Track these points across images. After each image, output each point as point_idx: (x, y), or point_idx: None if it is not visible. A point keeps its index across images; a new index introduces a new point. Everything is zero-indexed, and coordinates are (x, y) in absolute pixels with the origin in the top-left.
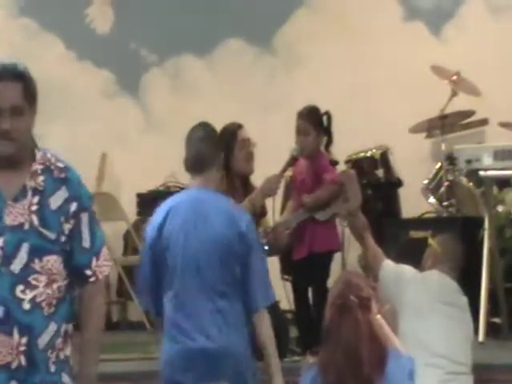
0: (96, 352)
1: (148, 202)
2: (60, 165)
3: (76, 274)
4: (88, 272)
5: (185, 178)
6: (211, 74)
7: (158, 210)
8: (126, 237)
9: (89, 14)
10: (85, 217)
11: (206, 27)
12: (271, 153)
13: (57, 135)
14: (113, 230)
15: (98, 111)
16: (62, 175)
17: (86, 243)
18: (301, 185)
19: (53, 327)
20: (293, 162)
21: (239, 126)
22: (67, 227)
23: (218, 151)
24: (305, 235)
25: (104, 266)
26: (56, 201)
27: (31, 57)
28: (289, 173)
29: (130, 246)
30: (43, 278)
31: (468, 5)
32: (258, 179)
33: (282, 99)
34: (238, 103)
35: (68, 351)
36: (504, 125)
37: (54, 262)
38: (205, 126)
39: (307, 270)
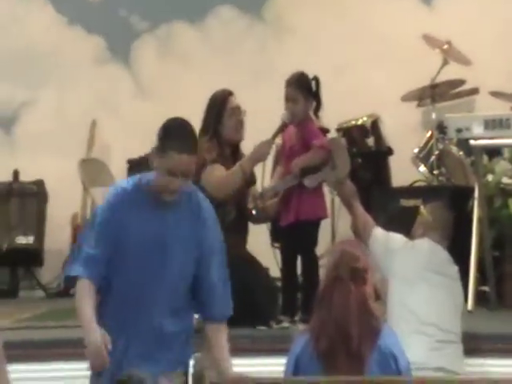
0: None
1: (138, 168)
2: None
3: None
4: None
5: None
6: (202, 41)
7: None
8: None
9: None
10: None
11: None
12: (262, 120)
13: (46, 101)
14: (103, 196)
15: (88, 78)
16: None
17: None
18: (290, 151)
19: None
20: (283, 128)
21: (229, 94)
22: None
23: None
24: (291, 202)
25: None
26: None
27: (21, 21)
28: (278, 140)
29: None
30: None
31: None
32: (249, 147)
33: (273, 67)
34: (228, 71)
35: None
36: (494, 94)
37: None
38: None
39: (294, 237)
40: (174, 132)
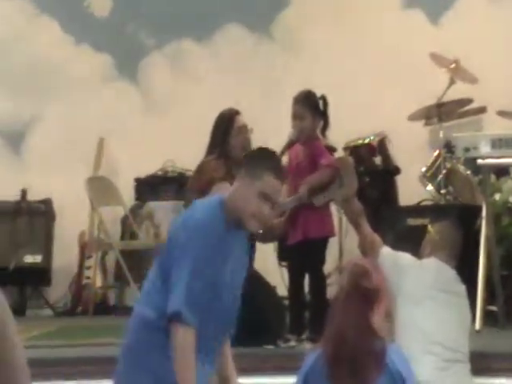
0: None
1: (146, 186)
2: None
3: None
4: None
5: (182, 163)
6: (210, 58)
7: None
8: (124, 221)
9: None
10: None
11: (206, 12)
12: (270, 138)
13: (55, 119)
14: (110, 215)
15: (96, 95)
16: None
17: None
18: (296, 169)
19: None
20: (290, 145)
21: (236, 113)
22: None
23: None
24: (299, 220)
25: None
26: None
27: (29, 40)
28: (285, 159)
29: (127, 231)
30: None
31: None
32: None
33: (281, 84)
34: (236, 88)
35: None
36: (502, 113)
37: None
38: None
39: (302, 255)
40: (269, 157)
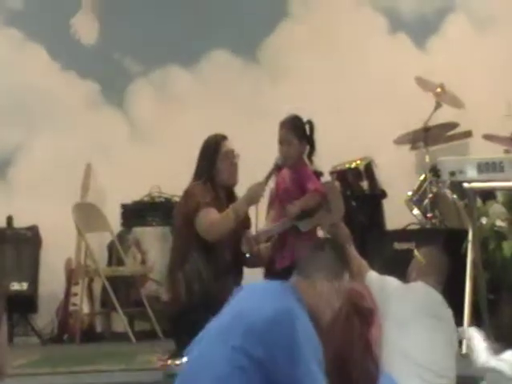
0: None
1: (132, 212)
2: None
3: None
4: None
5: (169, 188)
6: (197, 84)
7: None
8: (111, 247)
9: (74, 24)
10: None
11: (192, 38)
12: (257, 163)
13: (41, 146)
14: (97, 241)
15: (82, 122)
16: None
17: None
18: (283, 194)
19: None
20: (277, 170)
21: (223, 138)
22: None
23: None
24: (287, 245)
25: None
26: None
27: (16, 67)
28: (272, 184)
29: (114, 257)
30: None
31: (451, 17)
32: (243, 189)
33: (268, 110)
34: (223, 113)
35: None
36: (488, 137)
37: None
38: None
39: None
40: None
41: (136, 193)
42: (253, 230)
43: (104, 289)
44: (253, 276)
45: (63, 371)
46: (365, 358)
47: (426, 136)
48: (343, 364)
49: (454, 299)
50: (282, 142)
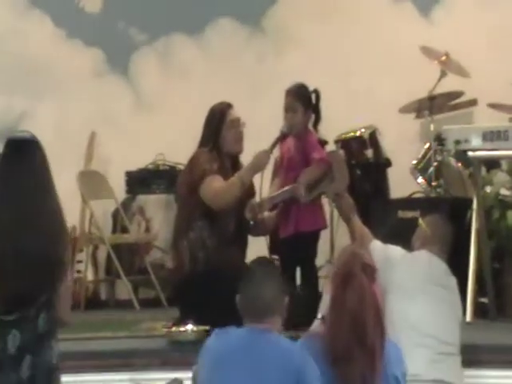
0: None
1: (137, 180)
2: None
3: None
4: None
5: (173, 156)
6: (201, 53)
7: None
8: (115, 215)
9: None
10: None
11: (197, 6)
12: (261, 132)
13: (46, 114)
14: (102, 209)
15: (87, 90)
16: None
17: None
18: (288, 162)
19: None
20: (282, 138)
21: (228, 106)
22: None
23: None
24: (291, 214)
25: None
26: None
27: (20, 33)
28: (277, 153)
29: (118, 225)
30: None
31: None
32: (248, 157)
33: (272, 79)
34: (228, 83)
35: None
36: (493, 106)
37: None
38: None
39: (294, 248)
40: None
41: (140, 161)
42: (257, 199)
43: (108, 256)
44: (257, 243)
45: (67, 337)
46: (377, 312)
47: (431, 105)
48: (361, 321)
49: (458, 268)
50: (287, 109)
